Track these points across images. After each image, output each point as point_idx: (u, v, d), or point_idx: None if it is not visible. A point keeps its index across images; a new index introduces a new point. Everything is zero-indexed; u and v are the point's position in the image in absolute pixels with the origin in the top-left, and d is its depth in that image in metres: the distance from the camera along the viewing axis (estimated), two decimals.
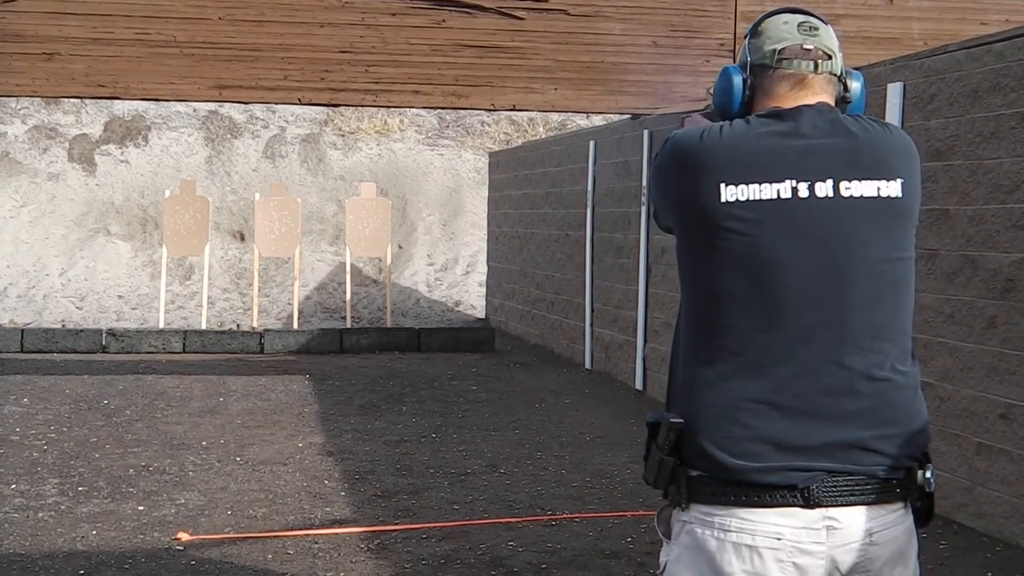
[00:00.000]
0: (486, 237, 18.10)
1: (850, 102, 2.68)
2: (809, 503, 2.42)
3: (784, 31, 2.64)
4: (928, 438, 2.56)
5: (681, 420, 2.50)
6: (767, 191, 2.47)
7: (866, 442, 2.45)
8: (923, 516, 2.57)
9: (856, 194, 2.50)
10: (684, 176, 2.54)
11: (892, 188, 2.53)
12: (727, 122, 2.60)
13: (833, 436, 2.44)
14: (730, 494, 2.45)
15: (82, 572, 5.71)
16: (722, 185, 2.48)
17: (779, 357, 2.46)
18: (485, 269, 17.98)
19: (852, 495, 2.44)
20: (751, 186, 2.47)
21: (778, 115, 2.57)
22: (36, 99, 19.05)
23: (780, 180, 2.48)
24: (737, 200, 2.47)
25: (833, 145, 2.53)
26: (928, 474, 2.52)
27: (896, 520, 2.51)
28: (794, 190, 2.48)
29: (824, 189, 2.49)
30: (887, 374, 2.50)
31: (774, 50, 2.62)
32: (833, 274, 2.47)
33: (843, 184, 2.49)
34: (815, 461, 2.43)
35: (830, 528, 2.43)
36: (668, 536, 2.59)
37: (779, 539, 2.42)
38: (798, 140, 2.52)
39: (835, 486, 2.43)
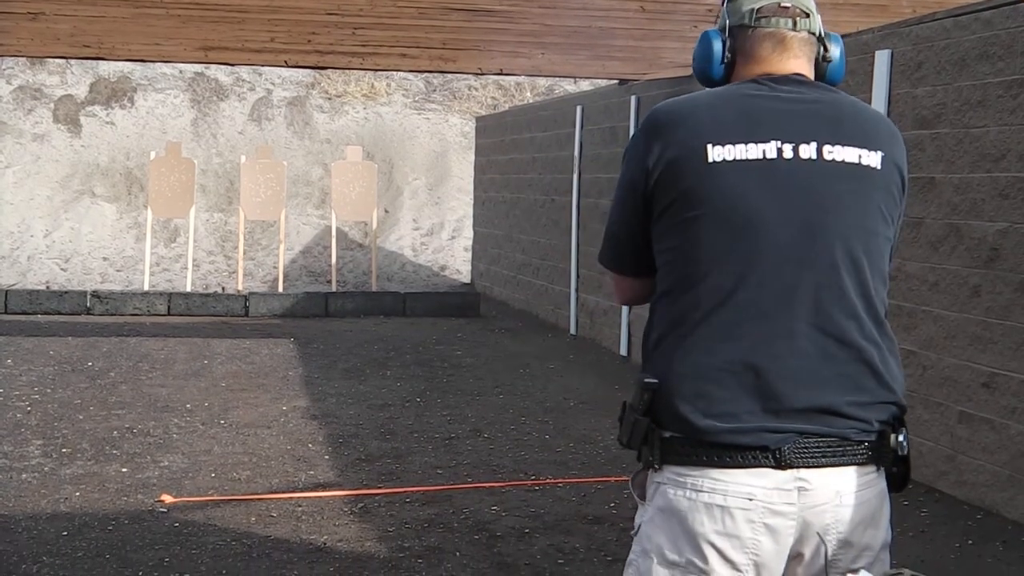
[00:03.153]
0: (472, 202, 18.08)
1: (830, 61, 2.70)
2: (780, 464, 2.42)
3: None
4: (902, 407, 2.57)
5: (655, 380, 2.50)
6: (753, 151, 2.48)
7: (839, 407, 2.46)
8: (899, 481, 2.58)
9: (838, 158, 2.52)
10: (669, 137, 2.52)
11: (872, 159, 2.54)
12: (709, 89, 2.64)
13: (807, 400, 2.44)
14: (702, 455, 2.45)
15: (65, 534, 5.71)
16: (709, 145, 2.48)
17: (756, 317, 2.46)
18: (471, 234, 17.96)
19: (824, 456, 2.45)
20: (737, 146, 2.48)
21: (762, 82, 2.59)
22: (21, 59, 18.93)
23: (766, 140, 2.49)
24: (724, 160, 2.48)
25: (817, 110, 2.56)
26: (901, 438, 2.53)
27: (867, 483, 2.51)
28: (779, 151, 2.49)
29: (808, 151, 2.50)
30: (862, 341, 2.50)
31: (752, 9, 2.64)
32: (813, 235, 2.48)
33: (826, 147, 2.51)
34: (788, 423, 2.43)
35: (801, 489, 2.43)
36: (644, 499, 2.60)
37: (751, 499, 2.42)
38: (783, 104, 2.55)
39: (807, 448, 2.44)
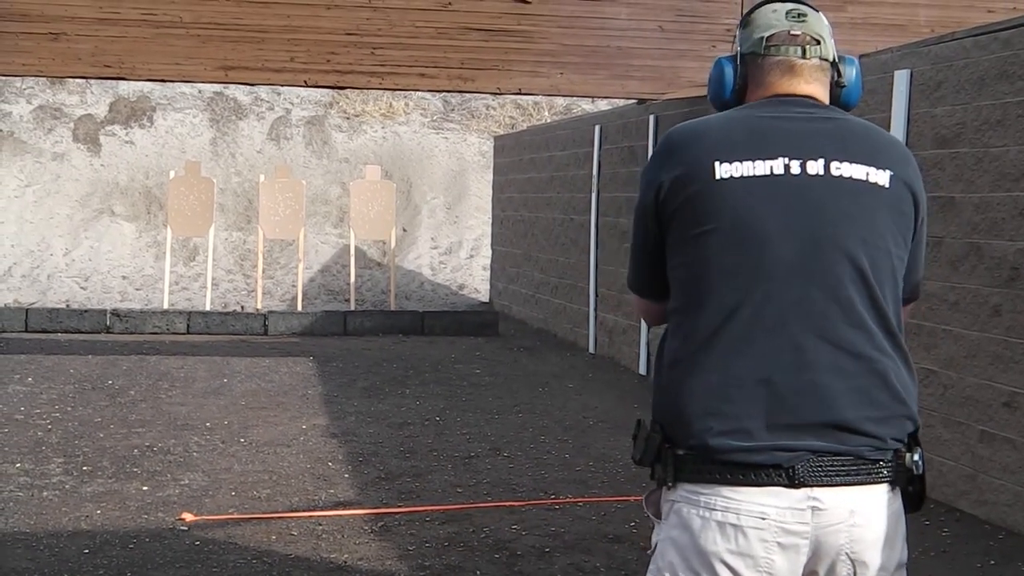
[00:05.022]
0: (490, 221, 18.09)
1: (844, 86, 2.72)
2: (794, 483, 2.42)
3: (772, 19, 2.69)
4: (916, 422, 2.56)
5: (660, 423, 2.56)
6: (760, 168, 2.52)
7: (851, 423, 2.46)
8: (914, 501, 2.58)
9: (846, 175, 2.54)
10: (679, 157, 2.57)
11: (880, 177, 2.56)
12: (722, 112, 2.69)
13: (819, 415, 2.44)
14: (715, 472, 2.46)
15: (87, 551, 5.73)
16: (717, 163, 2.52)
17: (764, 332, 2.47)
18: (489, 253, 17.97)
19: (837, 475, 2.44)
20: (745, 163, 2.52)
21: (772, 103, 2.63)
22: (41, 79, 19.03)
23: (773, 157, 2.53)
24: (732, 177, 2.51)
25: (826, 129, 2.59)
26: (916, 457, 2.53)
27: (882, 502, 2.50)
28: (786, 166, 2.52)
29: (815, 167, 2.53)
30: (874, 354, 2.50)
31: (762, 38, 2.68)
32: (818, 249, 2.49)
33: (834, 164, 2.54)
34: (801, 440, 2.43)
35: (815, 508, 2.43)
36: (658, 517, 2.61)
37: (764, 519, 2.43)
38: (792, 122, 2.58)
39: (820, 466, 2.44)
